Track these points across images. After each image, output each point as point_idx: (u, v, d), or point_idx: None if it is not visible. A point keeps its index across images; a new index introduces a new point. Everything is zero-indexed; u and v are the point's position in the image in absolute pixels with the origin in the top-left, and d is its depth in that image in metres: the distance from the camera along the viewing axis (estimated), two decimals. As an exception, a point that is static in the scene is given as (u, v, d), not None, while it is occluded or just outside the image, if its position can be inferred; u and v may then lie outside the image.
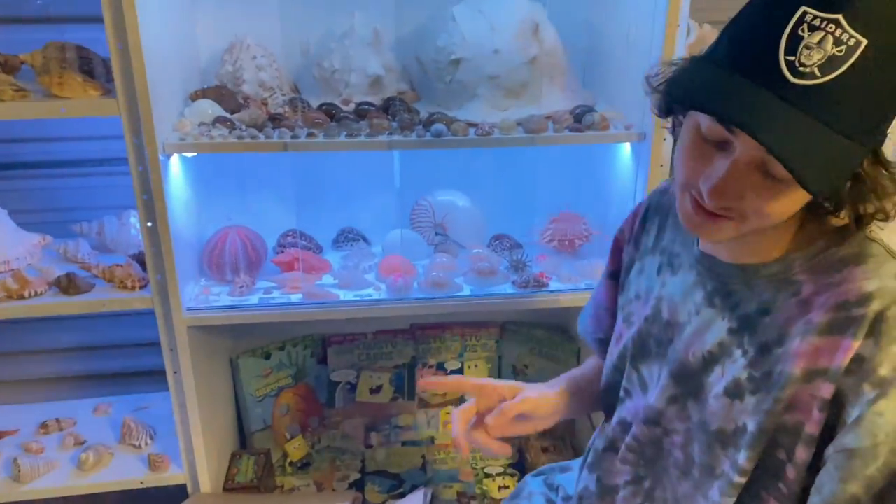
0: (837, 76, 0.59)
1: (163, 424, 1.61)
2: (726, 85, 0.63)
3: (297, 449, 1.79)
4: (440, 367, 1.81)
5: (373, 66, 1.44)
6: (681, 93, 0.68)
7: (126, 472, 1.50)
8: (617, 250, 0.99)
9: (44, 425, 1.64)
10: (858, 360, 0.67)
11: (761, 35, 0.62)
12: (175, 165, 1.34)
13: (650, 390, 0.86)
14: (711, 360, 0.78)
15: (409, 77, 1.54)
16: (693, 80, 0.67)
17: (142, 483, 1.49)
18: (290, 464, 1.79)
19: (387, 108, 1.40)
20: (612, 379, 0.94)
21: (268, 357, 1.75)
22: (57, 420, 1.65)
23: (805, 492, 0.71)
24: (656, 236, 0.91)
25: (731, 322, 0.77)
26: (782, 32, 0.60)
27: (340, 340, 1.80)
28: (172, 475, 1.51)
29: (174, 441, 1.50)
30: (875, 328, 0.67)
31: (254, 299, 1.44)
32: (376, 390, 1.83)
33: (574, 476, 1.05)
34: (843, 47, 0.59)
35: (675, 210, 0.82)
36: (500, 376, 1.88)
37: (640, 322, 0.88)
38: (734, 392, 0.75)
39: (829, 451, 0.69)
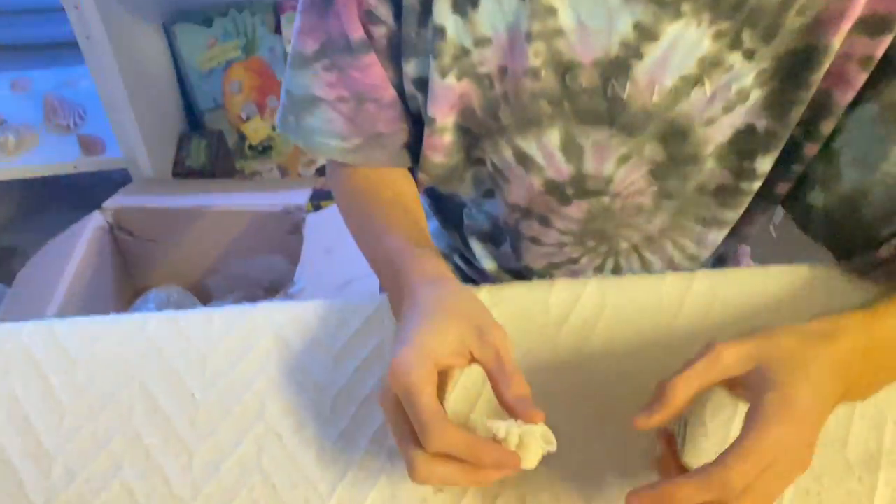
0: None
1: (93, 103, 1.39)
2: None
3: (255, 131, 1.61)
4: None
5: None
6: None
7: (56, 155, 1.33)
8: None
9: (-46, 104, 1.42)
10: None
11: None
12: None
13: (558, 163, 0.57)
14: (689, 83, 0.51)
15: None
16: None
17: (75, 167, 1.32)
18: (250, 147, 1.63)
19: None
20: (453, 162, 0.62)
21: (209, 24, 1.48)
22: (-31, 97, 1.43)
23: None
24: None
25: (714, 23, 0.48)
26: None
27: (296, 6, 1.51)
28: (110, 158, 1.33)
29: (108, 122, 1.29)
30: None
31: (168, -60, 1.13)
32: (342, 66, 1.59)
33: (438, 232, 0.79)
34: None
35: None
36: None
37: (505, 80, 0.54)
38: (736, 101, 0.52)
39: (860, 109, 0.51)
